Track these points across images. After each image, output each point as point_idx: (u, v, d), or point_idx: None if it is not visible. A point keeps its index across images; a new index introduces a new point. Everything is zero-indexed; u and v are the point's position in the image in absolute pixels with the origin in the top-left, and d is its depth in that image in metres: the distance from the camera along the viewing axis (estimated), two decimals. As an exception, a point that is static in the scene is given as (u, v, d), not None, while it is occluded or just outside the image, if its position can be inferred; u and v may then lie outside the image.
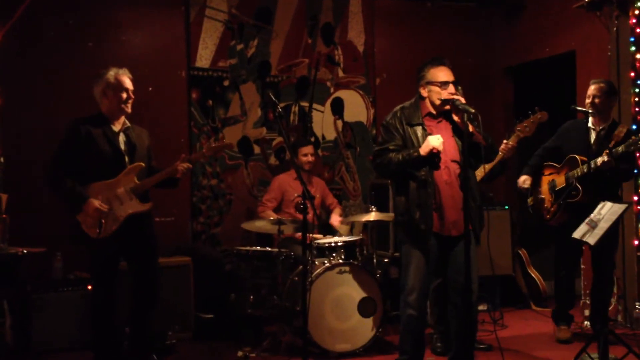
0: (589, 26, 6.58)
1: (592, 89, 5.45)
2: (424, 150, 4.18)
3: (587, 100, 5.44)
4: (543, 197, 5.62)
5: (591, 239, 4.54)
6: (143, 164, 4.65)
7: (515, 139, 5.04)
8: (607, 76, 6.24)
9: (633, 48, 6.03)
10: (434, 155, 4.21)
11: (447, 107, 4.27)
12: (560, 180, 5.46)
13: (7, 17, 5.43)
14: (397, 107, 4.44)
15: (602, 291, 5.51)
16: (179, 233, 6.54)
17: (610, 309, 6.03)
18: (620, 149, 5.04)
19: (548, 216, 5.57)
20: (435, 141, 4.18)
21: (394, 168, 4.26)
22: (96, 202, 4.44)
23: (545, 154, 5.70)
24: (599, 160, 5.09)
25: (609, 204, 4.64)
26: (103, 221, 4.47)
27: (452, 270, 4.35)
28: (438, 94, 4.28)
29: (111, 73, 4.63)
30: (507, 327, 6.11)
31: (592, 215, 4.65)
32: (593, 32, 6.54)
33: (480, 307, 6.49)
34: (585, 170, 5.18)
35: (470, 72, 7.81)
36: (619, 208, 4.56)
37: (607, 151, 5.07)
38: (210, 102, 6.78)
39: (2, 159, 5.44)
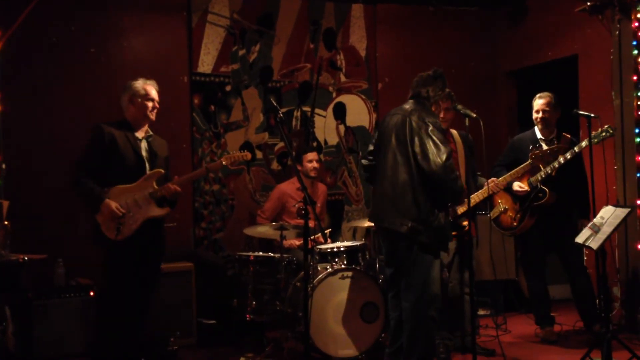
0: (592, 30, 6.58)
1: (540, 103, 5.74)
2: None
3: (536, 115, 5.74)
4: (507, 207, 5.71)
5: (594, 244, 4.52)
6: (162, 170, 4.78)
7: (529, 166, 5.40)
8: (609, 79, 6.25)
9: (635, 51, 6.02)
10: None
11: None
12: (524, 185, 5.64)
13: (10, 23, 5.43)
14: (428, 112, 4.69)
15: (583, 286, 5.69)
16: (181, 238, 6.52)
17: (613, 313, 6.03)
18: (569, 155, 5.38)
19: (515, 224, 5.67)
20: None
21: (455, 191, 4.45)
22: (113, 205, 4.53)
23: (507, 168, 5.73)
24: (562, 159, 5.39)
25: (611, 208, 4.63)
26: (121, 223, 4.55)
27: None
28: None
29: (139, 82, 4.80)
30: (510, 332, 6.08)
31: (594, 219, 4.65)
32: (595, 36, 6.54)
33: (483, 312, 6.51)
34: (548, 171, 5.45)
35: (472, 76, 7.81)
36: (621, 212, 4.55)
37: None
38: (213, 107, 6.77)
39: (3, 166, 5.45)
